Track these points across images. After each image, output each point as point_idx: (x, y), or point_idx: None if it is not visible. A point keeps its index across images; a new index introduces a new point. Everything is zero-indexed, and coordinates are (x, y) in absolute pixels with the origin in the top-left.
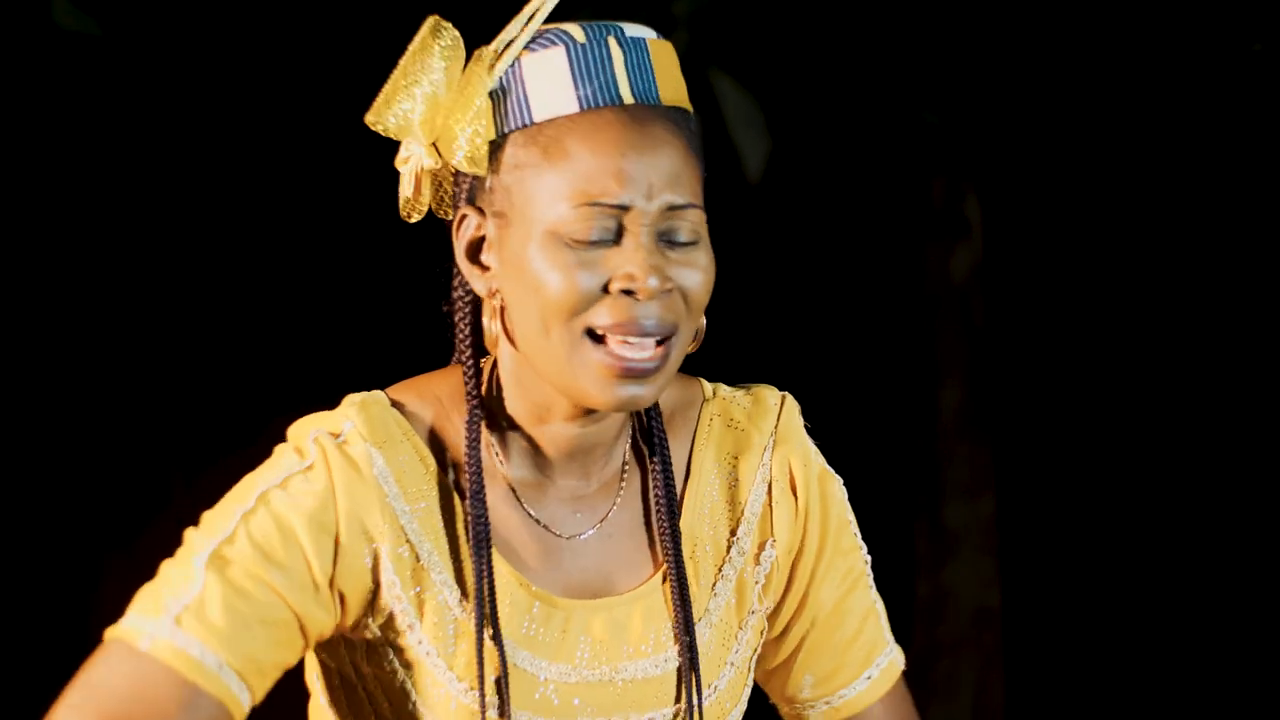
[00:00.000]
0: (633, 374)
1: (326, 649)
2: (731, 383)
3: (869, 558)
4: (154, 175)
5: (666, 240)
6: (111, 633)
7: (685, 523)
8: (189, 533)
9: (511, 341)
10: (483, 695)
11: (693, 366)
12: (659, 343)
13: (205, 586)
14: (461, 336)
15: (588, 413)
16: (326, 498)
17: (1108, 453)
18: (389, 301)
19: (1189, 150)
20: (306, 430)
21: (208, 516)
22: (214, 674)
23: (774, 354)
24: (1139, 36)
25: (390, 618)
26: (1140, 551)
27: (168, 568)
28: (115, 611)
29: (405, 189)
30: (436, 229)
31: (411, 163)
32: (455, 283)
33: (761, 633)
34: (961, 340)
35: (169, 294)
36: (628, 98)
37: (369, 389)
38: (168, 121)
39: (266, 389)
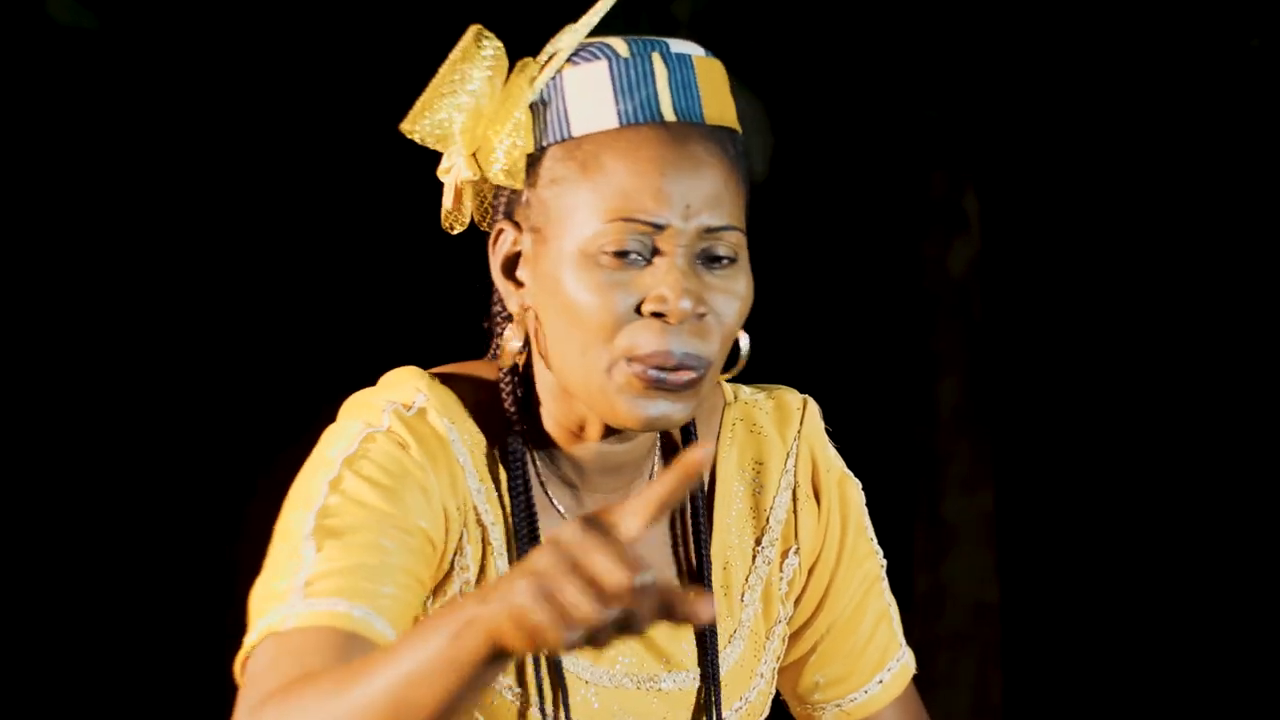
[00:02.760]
0: (663, 388)
1: None
2: (732, 377)
3: (884, 561)
4: (150, 169)
5: (704, 260)
6: (249, 643)
7: (714, 536)
8: (277, 528)
9: (545, 358)
10: (525, 691)
11: None
12: (690, 376)
13: (319, 554)
14: (500, 343)
15: (619, 431)
16: (415, 462)
17: (1106, 447)
18: (390, 295)
19: (1187, 145)
20: (372, 402)
21: (287, 507)
22: (364, 620)
23: (773, 349)
24: (1137, 31)
25: (452, 601)
26: (1138, 546)
27: (273, 561)
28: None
29: (446, 199)
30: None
31: (453, 173)
32: (495, 297)
33: (784, 640)
34: (960, 334)
35: (163, 287)
36: (669, 115)
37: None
38: (164, 115)
39: (264, 384)
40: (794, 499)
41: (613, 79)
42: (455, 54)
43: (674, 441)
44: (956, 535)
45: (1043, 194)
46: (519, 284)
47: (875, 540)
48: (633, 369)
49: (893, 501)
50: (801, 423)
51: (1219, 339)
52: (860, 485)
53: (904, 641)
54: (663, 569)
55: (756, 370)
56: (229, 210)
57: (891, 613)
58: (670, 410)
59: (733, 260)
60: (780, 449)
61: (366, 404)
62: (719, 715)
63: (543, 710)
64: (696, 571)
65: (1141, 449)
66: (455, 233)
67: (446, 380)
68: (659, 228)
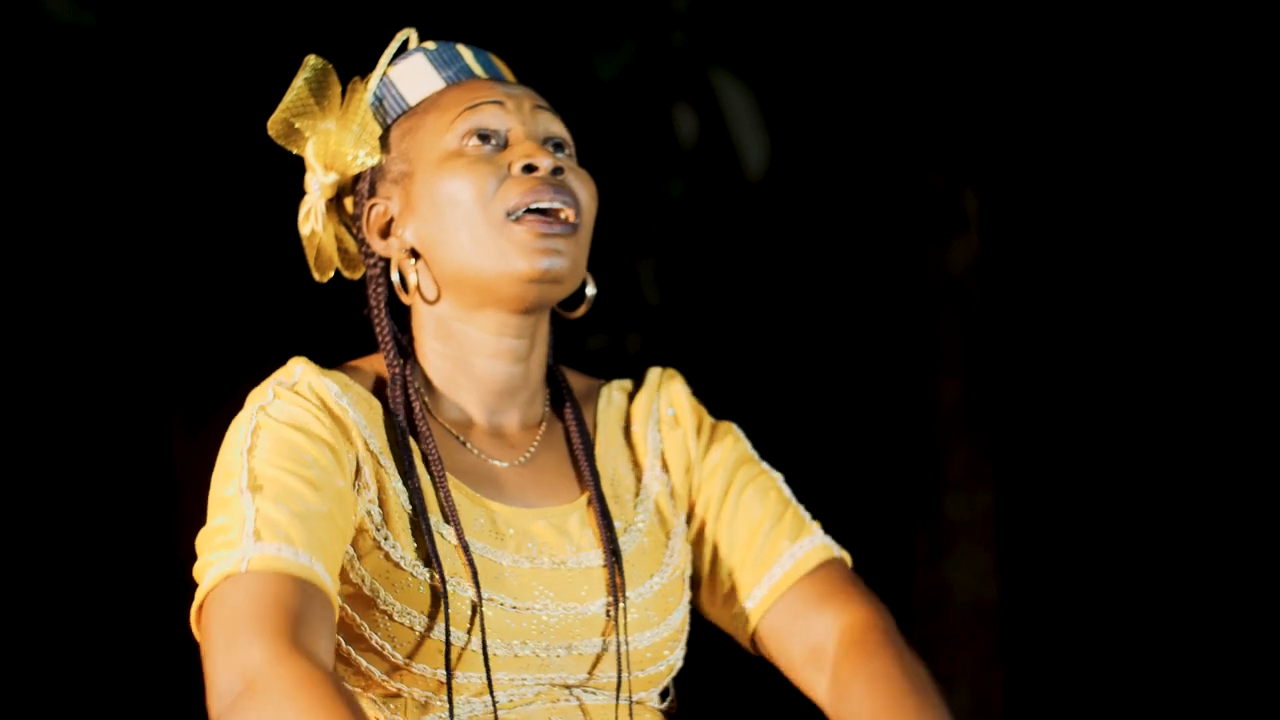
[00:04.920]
0: (549, 237)
1: None
2: (732, 376)
3: (779, 475)
4: (148, 167)
5: (549, 145)
6: (205, 588)
7: (599, 461)
8: (210, 507)
9: (434, 290)
10: (441, 575)
11: (694, 357)
12: (567, 224)
13: (258, 505)
14: (378, 310)
15: (511, 356)
16: (309, 413)
17: (1106, 446)
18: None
19: (1187, 144)
20: (261, 388)
21: (214, 488)
22: (309, 567)
23: (772, 348)
24: (1137, 30)
25: (362, 522)
26: (1139, 545)
27: (213, 526)
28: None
29: (314, 224)
30: None
31: (313, 194)
32: (370, 287)
33: (687, 545)
34: (959, 334)
35: (161, 287)
36: (482, 75)
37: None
38: (162, 113)
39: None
40: (659, 431)
41: (430, 61)
42: (296, 81)
43: (560, 391)
44: (957, 534)
45: (1042, 193)
46: (397, 237)
47: (764, 463)
48: (520, 226)
49: (893, 501)
50: (661, 380)
51: (1220, 338)
52: (736, 425)
53: (820, 530)
54: (557, 483)
55: (756, 367)
56: (225, 208)
57: (801, 510)
58: (558, 261)
59: (573, 152)
60: (646, 399)
61: (258, 390)
62: (621, 571)
63: (472, 592)
64: (593, 485)
65: (1142, 447)
66: (325, 278)
67: (337, 366)
68: (498, 103)
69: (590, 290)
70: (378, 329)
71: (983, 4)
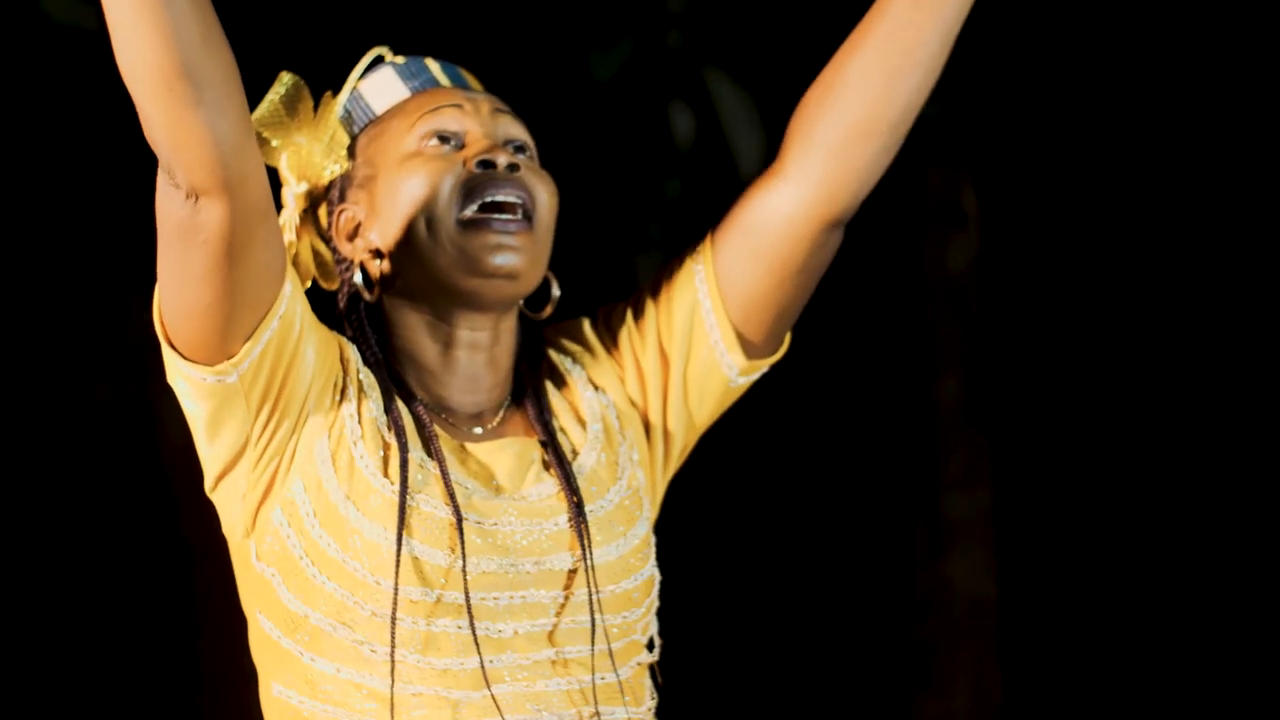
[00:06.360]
0: (503, 234)
1: (280, 506)
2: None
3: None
4: (145, 167)
5: (509, 147)
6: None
7: (550, 401)
8: None
9: (402, 276)
10: (404, 487)
11: None
12: (524, 218)
13: None
14: (353, 312)
15: (475, 347)
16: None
17: (1105, 445)
18: None
19: (1187, 142)
20: None
21: None
22: None
23: None
24: (1137, 28)
25: (340, 435)
26: (1137, 543)
27: None
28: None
29: (289, 235)
30: None
31: (290, 206)
32: (343, 292)
33: (636, 474)
34: (958, 332)
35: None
36: (447, 85)
37: None
38: None
39: None
40: (580, 364)
41: (398, 73)
42: (270, 96)
43: (522, 380)
44: (956, 532)
45: (1042, 191)
46: (363, 238)
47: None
48: (474, 226)
49: (892, 499)
50: (559, 333)
51: (1219, 337)
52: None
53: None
54: (521, 435)
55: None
56: None
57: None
58: (512, 258)
59: (534, 155)
60: (556, 348)
61: None
62: (577, 490)
63: (446, 511)
64: (547, 431)
65: (1141, 445)
66: (303, 288)
67: None
68: (457, 106)
69: (555, 291)
70: (353, 330)
71: (980, 2)
